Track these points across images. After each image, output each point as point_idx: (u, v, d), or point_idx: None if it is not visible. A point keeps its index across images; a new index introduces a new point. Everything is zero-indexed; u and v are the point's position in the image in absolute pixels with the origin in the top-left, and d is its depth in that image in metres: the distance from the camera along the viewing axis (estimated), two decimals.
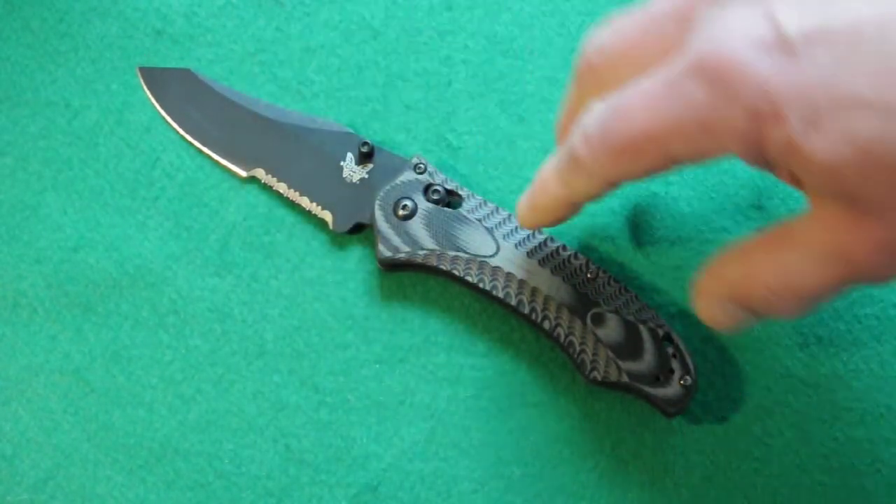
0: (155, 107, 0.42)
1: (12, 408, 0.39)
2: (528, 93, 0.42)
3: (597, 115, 0.29)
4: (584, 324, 0.37)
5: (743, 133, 0.27)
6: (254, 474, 0.38)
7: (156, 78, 0.43)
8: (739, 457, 0.37)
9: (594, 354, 0.36)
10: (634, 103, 0.28)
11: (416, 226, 0.38)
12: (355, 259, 0.40)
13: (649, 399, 0.36)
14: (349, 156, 0.40)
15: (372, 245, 0.40)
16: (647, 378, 0.36)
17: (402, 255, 0.38)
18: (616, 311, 0.37)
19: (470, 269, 0.38)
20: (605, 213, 0.40)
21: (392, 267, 0.39)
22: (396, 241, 0.38)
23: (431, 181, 0.39)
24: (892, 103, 0.25)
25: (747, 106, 0.26)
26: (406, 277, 0.40)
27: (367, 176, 0.40)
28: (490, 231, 0.38)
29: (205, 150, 0.42)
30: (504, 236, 0.38)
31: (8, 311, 0.40)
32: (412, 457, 0.38)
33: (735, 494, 0.37)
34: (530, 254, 0.38)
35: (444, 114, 0.42)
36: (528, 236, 0.38)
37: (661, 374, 0.36)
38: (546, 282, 0.37)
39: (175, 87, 0.42)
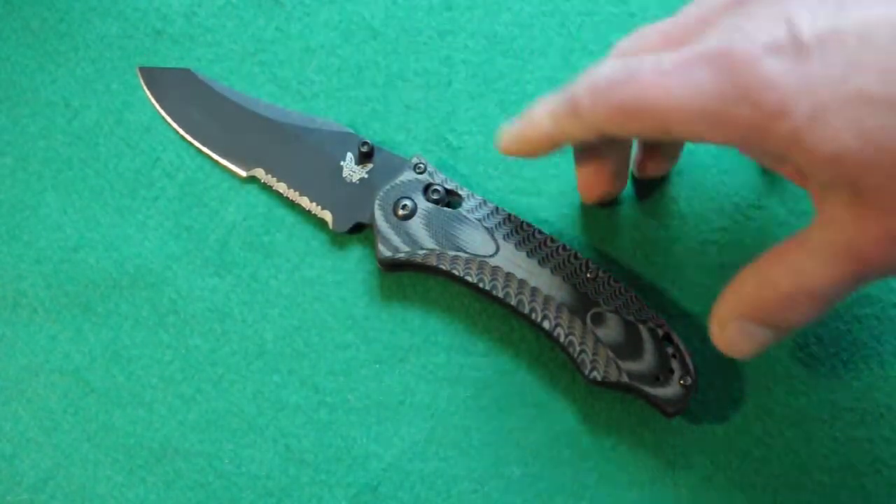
0: (155, 107, 0.42)
1: (12, 408, 0.39)
2: (528, 93, 0.42)
3: (609, 70, 0.31)
4: (584, 324, 0.37)
5: (746, 126, 0.28)
6: (254, 474, 0.38)
7: (156, 78, 0.43)
8: (739, 457, 0.37)
9: (594, 354, 0.36)
10: (647, 72, 0.30)
11: (416, 226, 0.38)
12: (355, 259, 0.40)
13: (649, 399, 0.36)
14: (349, 156, 0.40)
15: (372, 245, 0.40)
16: (646, 378, 0.36)
17: (402, 255, 0.38)
18: (616, 311, 0.37)
19: (470, 268, 0.38)
20: (606, 213, 0.40)
21: (392, 267, 0.39)
22: (396, 240, 0.38)
23: (431, 181, 0.39)
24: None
25: (755, 101, 0.27)
26: (406, 277, 0.40)
27: (366, 176, 0.40)
28: (490, 231, 0.38)
29: (205, 150, 0.42)
30: (504, 236, 0.38)
31: (8, 311, 0.40)
32: (412, 457, 0.38)
33: (735, 494, 0.37)
34: (530, 254, 0.38)
35: (444, 114, 0.42)
36: (528, 236, 0.38)
37: (661, 374, 0.36)
38: (546, 282, 0.37)
39: (175, 87, 0.42)
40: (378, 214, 0.39)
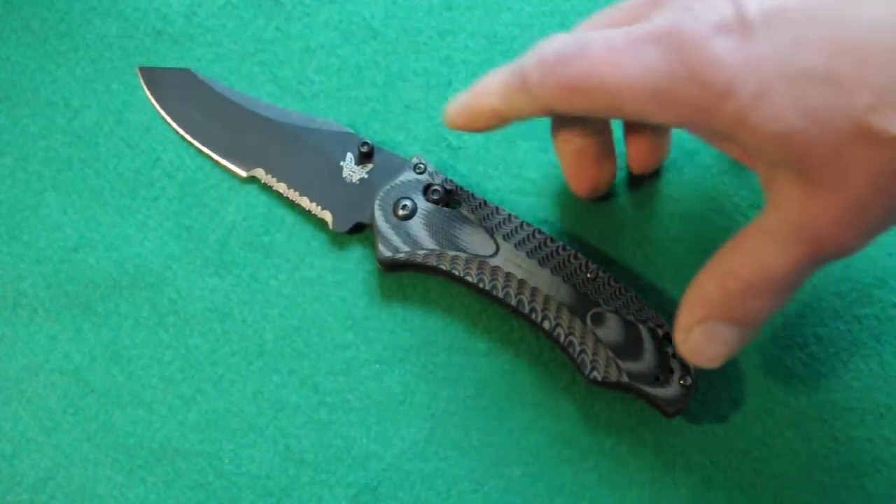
0: (155, 107, 0.42)
1: (12, 408, 0.39)
2: None
3: (559, 45, 0.31)
4: (584, 324, 0.37)
5: (694, 105, 0.28)
6: (254, 474, 0.38)
7: (156, 78, 0.43)
8: (739, 457, 0.37)
9: (594, 354, 0.36)
10: (597, 48, 0.30)
11: (416, 226, 0.38)
12: (355, 259, 0.40)
13: (649, 399, 0.36)
14: (349, 156, 0.40)
15: (372, 245, 0.40)
16: (646, 378, 0.36)
17: (402, 255, 0.38)
18: (616, 311, 0.37)
19: (470, 268, 0.38)
20: (606, 213, 0.40)
21: (392, 267, 0.39)
22: (396, 240, 0.38)
23: (431, 181, 0.39)
24: (839, 75, 0.26)
25: (702, 81, 0.28)
26: (406, 277, 0.40)
27: (366, 176, 0.40)
28: (490, 231, 0.38)
29: (205, 150, 0.42)
30: (504, 236, 0.38)
31: (8, 311, 0.40)
32: (412, 457, 0.38)
33: (735, 494, 0.37)
34: (530, 254, 0.38)
35: None
36: (528, 236, 0.38)
37: (660, 374, 0.36)
38: (546, 282, 0.37)
39: (175, 87, 0.42)
40: (378, 214, 0.39)
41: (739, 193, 0.40)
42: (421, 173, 0.39)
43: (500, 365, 0.39)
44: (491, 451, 0.38)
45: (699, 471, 0.37)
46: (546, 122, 0.42)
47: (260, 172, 0.41)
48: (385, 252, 0.38)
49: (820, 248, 0.29)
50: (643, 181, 0.41)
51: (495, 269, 0.37)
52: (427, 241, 0.38)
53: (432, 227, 0.38)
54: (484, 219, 0.38)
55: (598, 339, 0.36)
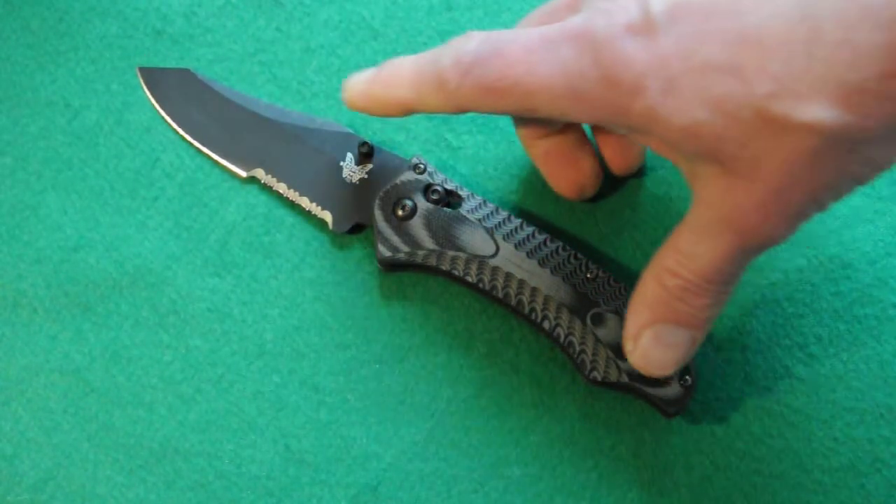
0: (155, 107, 0.42)
1: (12, 408, 0.39)
2: None
3: (475, 44, 0.31)
4: (584, 324, 0.37)
5: (606, 103, 0.29)
6: (254, 474, 0.38)
7: (156, 78, 0.43)
8: (739, 457, 0.37)
9: (594, 354, 0.36)
10: (514, 49, 0.30)
11: (416, 226, 0.38)
12: (355, 259, 0.40)
13: (649, 399, 0.36)
14: (349, 156, 0.40)
15: (372, 245, 0.40)
16: (646, 378, 0.36)
17: (402, 255, 0.38)
18: (616, 311, 0.37)
19: (470, 269, 0.38)
20: (606, 213, 0.40)
21: (392, 267, 0.39)
22: (396, 241, 0.38)
23: (431, 181, 0.39)
24: (739, 65, 0.27)
25: (613, 79, 0.29)
26: (406, 277, 0.40)
27: (366, 176, 0.40)
28: (490, 231, 0.38)
29: (205, 150, 0.42)
30: (504, 236, 0.38)
31: (8, 311, 0.40)
32: (412, 457, 0.38)
33: (735, 494, 0.37)
34: (530, 254, 0.38)
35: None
36: (528, 236, 0.38)
37: None
38: (546, 282, 0.37)
39: (175, 87, 0.42)
40: (378, 215, 0.39)
41: None
42: (421, 173, 0.39)
43: (500, 365, 0.39)
44: (491, 451, 0.38)
45: (699, 471, 0.37)
46: None
47: (260, 172, 0.41)
48: (385, 252, 0.38)
49: (746, 238, 0.30)
50: (643, 182, 0.41)
51: (495, 269, 0.37)
52: (427, 242, 0.38)
53: (432, 227, 0.38)
54: (484, 219, 0.38)
55: (598, 339, 0.36)
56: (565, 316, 0.37)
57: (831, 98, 0.26)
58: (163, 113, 0.42)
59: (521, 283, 0.37)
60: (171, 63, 0.43)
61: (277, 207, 0.41)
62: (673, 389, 0.36)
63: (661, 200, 0.41)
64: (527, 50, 0.30)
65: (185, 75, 0.43)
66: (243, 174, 0.41)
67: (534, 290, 0.37)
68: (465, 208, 0.39)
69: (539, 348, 0.39)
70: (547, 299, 0.37)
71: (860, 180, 0.29)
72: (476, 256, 0.38)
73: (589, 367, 0.36)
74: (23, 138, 0.42)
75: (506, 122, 0.42)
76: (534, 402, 0.38)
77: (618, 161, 0.39)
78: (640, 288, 0.33)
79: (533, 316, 0.37)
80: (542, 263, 0.37)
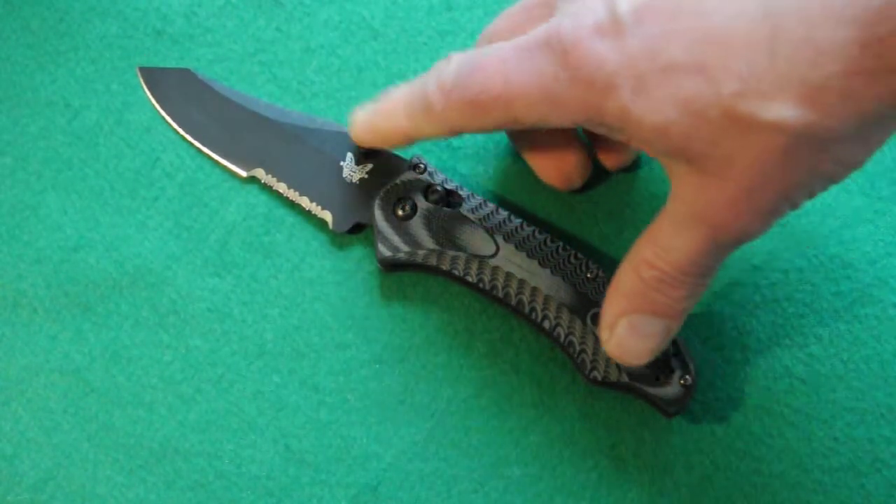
0: (155, 107, 0.42)
1: (12, 408, 0.39)
2: None
3: (454, 66, 0.32)
4: (584, 324, 0.37)
5: (581, 105, 0.30)
6: (254, 474, 0.38)
7: (156, 78, 0.43)
8: (739, 457, 0.37)
9: (594, 354, 0.36)
10: (489, 63, 0.31)
11: (416, 226, 0.38)
12: (355, 259, 0.40)
13: (649, 399, 0.36)
14: (349, 156, 0.40)
15: (372, 245, 0.40)
16: (646, 378, 0.36)
17: (402, 255, 0.38)
18: None
19: (470, 269, 0.38)
20: (606, 213, 0.40)
21: (392, 267, 0.39)
22: (396, 240, 0.38)
23: (431, 181, 0.39)
24: (705, 64, 0.27)
25: (585, 80, 0.29)
26: (406, 277, 0.40)
27: (366, 176, 0.40)
28: (490, 231, 0.38)
29: (205, 150, 0.42)
30: (504, 236, 0.38)
31: (8, 311, 0.40)
32: (412, 457, 0.38)
33: (735, 494, 0.37)
34: (530, 254, 0.38)
35: None
36: (528, 236, 0.38)
37: (660, 374, 0.36)
38: (546, 282, 0.37)
39: (175, 87, 0.42)
40: (378, 214, 0.39)
41: None
42: (421, 173, 0.39)
43: (500, 365, 0.39)
44: (491, 451, 0.38)
45: (699, 471, 0.37)
46: None
47: (260, 172, 0.41)
48: (385, 252, 0.38)
49: (720, 233, 0.30)
50: (643, 182, 0.41)
51: (495, 269, 0.37)
52: (427, 241, 0.38)
53: (432, 227, 0.38)
54: (484, 219, 0.38)
55: (598, 339, 0.36)
56: (565, 316, 0.37)
57: (795, 97, 0.26)
58: (163, 113, 0.42)
59: (522, 282, 0.37)
60: (171, 63, 0.43)
61: (277, 207, 0.41)
62: (673, 389, 0.36)
63: (662, 200, 0.40)
64: (502, 61, 0.31)
65: (185, 75, 0.43)
66: (243, 174, 0.41)
67: (534, 289, 0.37)
68: (465, 208, 0.39)
69: (539, 348, 0.39)
70: (547, 299, 0.37)
71: (833, 179, 0.29)
72: (476, 256, 0.38)
73: (589, 366, 0.36)
74: (23, 138, 0.42)
75: None
76: (534, 402, 0.38)
77: (610, 157, 0.39)
78: (617, 277, 0.33)
79: (533, 316, 0.37)
80: (542, 263, 0.37)
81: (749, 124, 0.27)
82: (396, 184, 0.39)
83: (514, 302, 0.37)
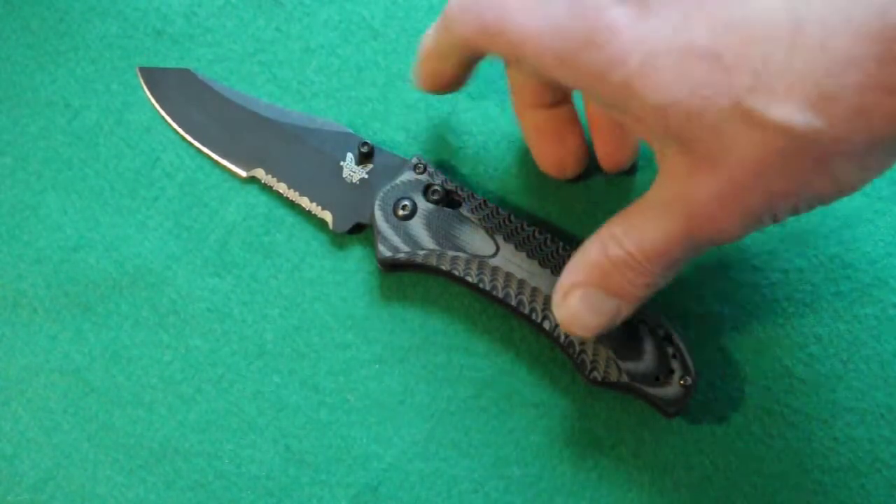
0: (155, 107, 0.42)
1: (12, 408, 0.39)
2: None
3: None
4: None
5: (588, 68, 0.29)
6: (254, 474, 0.38)
7: (156, 78, 0.43)
8: (739, 457, 0.37)
9: (594, 355, 0.36)
10: (515, 7, 0.31)
11: (416, 226, 0.38)
12: (355, 259, 0.40)
13: (649, 399, 0.36)
14: (349, 156, 0.40)
15: (372, 245, 0.40)
16: (646, 378, 0.36)
17: (402, 256, 0.38)
18: None
19: (470, 269, 0.38)
20: (606, 214, 0.40)
21: (392, 267, 0.39)
22: (396, 241, 0.38)
23: (431, 181, 0.39)
24: (722, 53, 0.27)
25: (596, 45, 0.29)
26: (406, 277, 0.40)
27: (366, 176, 0.40)
28: (490, 231, 0.38)
29: (205, 150, 0.42)
30: (504, 237, 0.38)
31: (8, 311, 0.40)
32: (412, 457, 0.38)
33: (735, 494, 0.37)
34: (530, 254, 0.38)
35: (444, 114, 0.42)
36: (529, 236, 0.38)
37: (660, 375, 0.36)
38: (546, 282, 0.37)
39: (175, 87, 0.42)
40: (378, 215, 0.39)
41: None
42: (421, 173, 0.39)
43: (500, 365, 0.39)
44: (491, 451, 0.38)
45: (699, 471, 0.37)
46: None
47: (260, 172, 0.41)
48: (385, 252, 0.38)
49: (696, 225, 0.30)
50: (643, 182, 0.41)
51: (495, 269, 0.37)
52: (427, 242, 0.38)
53: (432, 227, 0.38)
54: (484, 219, 0.38)
55: (597, 340, 0.36)
56: None
57: (804, 101, 0.26)
58: (163, 113, 0.42)
59: (522, 283, 0.37)
60: (171, 63, 0.43)
61: (277, 207, 0.41)
62: (673, 390, 0.36)
63: None
64: (526, 1, 0.31)
65: (185, 75, 0.43)
66: (243, 174, 0.41)
67: (534, 290, 0.37)
68: (465, 208, 0.39)
69: (539, 348, 0.39)
70: (547, 299, 0.37)
71: (822, 198, 0.29)
72: (476, 256, 0.38)
73: (589, 367, 0.36)
74: (23, 138, 0.42)
75: (506, 123, 0.42)
76: (534, 402, 0.38)
77: (608, 158, 0.39)
78: (584, 246, 0.33)
79: (533, 316, 0.37)
80: (542, 263, 0.37)
81: (754, 120, 0.27)
82: (396, 184, 0.39)
83: (514, 302, 0.37)
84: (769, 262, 0.40)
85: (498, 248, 0.38)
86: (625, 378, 0.36)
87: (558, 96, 0.38)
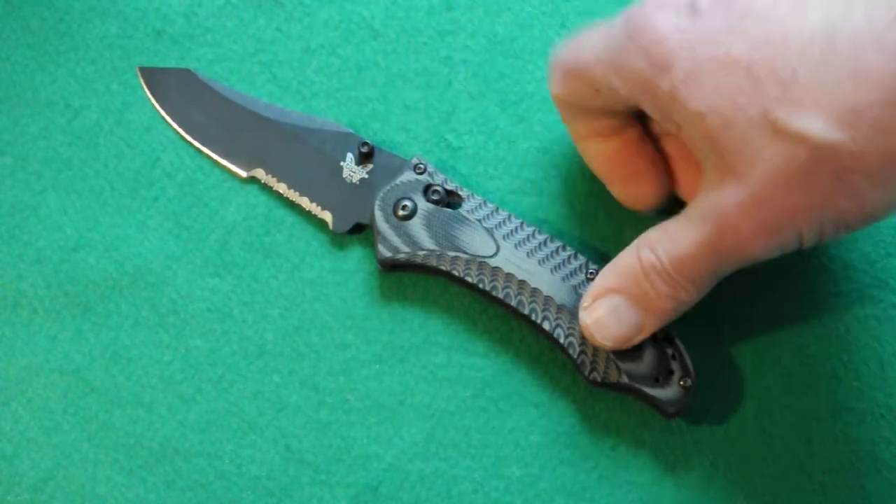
0: (155, 107, 0.42)
1: (12, 408, 0.39)
2: (528, 93, 0.42)
3: (563, 44, 0.35)
4: None
5: (639, 77, 0.31)
6: (254, 474, 0.38)
7: (156, 78, 0.43)
8: (739, 457, 0.37)
9: (594, 355, 0.36)
10: (583, 34, 0.34)
11: (416, 226, 0.38)
12: (355, 259, 0.40)
13: (649, 400, 0.36)
14: (349, 156, 0.40)
15: (372, 245, 0.40)
16: (646, 379, 0.36)
17: (402, 256, 0.38)
18: None
19: (470, 269, 0.38)
20: (606, 213, 0.40)
21: (392, 267, 0.39)
22: (396, 241, 0.38)
23: (431, 181, 0.39)
24: (756, 64, 0.28)
25: (646, 53, 0.31)
26: (406, 277, 0.40)
27: (366, 176, 0.40)
28: (490, 231, 0.38)
29: (205, 150, 0.42)
30: (504, 237, 0.38)
31: (8, 311, 0.40)
32: (412, 457, 0.38)
33: (735, 494, 0.37)
34: (530, 254, 0.38)
35: (444, 114, 0.42)
36: (529, 236, 0.38)
37: (660, 375, 0.36)
38: (546, 282, 0.37)
39: (175, 87, 0.42)
40: (378, 215, 0.39)
41: None
42: (421, 173, 0.39)
43: (500, 365, 0.39)
44: (491, 451, 0.38)
45: (699, 471, 0.37)
46: (545, 122, 0.42)
47: (260, 173, 0.41)
48: (385, 252, 0.38)
49: (722, 235, 0.31)
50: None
51: (495, 269, 0.37)
52: (427, 242, 0.38)
53: (432, 227, 0.38)
54: (484, 219, 0.38)
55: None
56: (565, 316, 0.37)
57: (828, 113, 0.27)
58: (163, 113, 0.42)
59: (522, 283, 0.37)
60: (171, 63, 0.43)
61: (277, 207, 0.41)
62: (673, 391, 0.36)
63: None
64: (592, 37, 0.33)
65: (186, 75, 0.43)
66: (243, 174, 0.41)
67: (534, 290, 0.37)
68: (465, 208, 0.39)
69: (539, 348, 0.39)
70: (547, 300, 0.37)
71: (847, 220, 0.29)
72: (476, 257, 0.38)
73: (589, 367, 0.36)
74: (23, 138, 0.42)
75: (506, 122, 0.42)
76: (534, 402, 0.38)
77: (632, 193, 0.38)
78: (621, 253, 0.34)
79: (533, 316, 0.37)
80: (542, 263, 0.37)
81: (778, 130, 0.28)
82: (396, 184, 0.39)
83: (514, 302, 0.37)
84: (769, 261, 0.39)
85: (498, 249, 0.38)
86: (625, 379, 0.36)
87: (616, 121, 0.36)
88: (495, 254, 0.38)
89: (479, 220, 0.38)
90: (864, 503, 0.37)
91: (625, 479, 0.37)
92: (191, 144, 0.42)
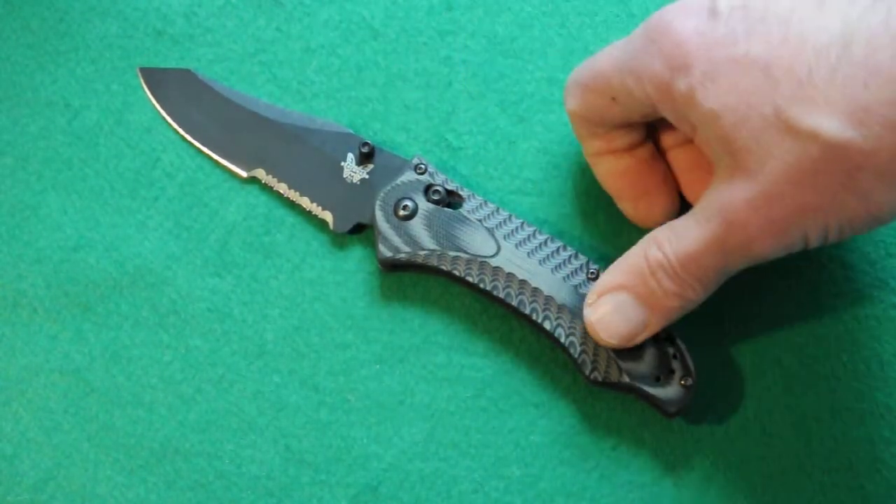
0: (155, 107, 0.42)
1: (12, 408, 0.39)
2: (528, 93, 0.42)
3: (579, 65, 0.36)
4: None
5: (656, 78, 0.31)
6: (254, 474, 0.38)
7: (156, 78, 0.43)
8: (739, 457, 0.37)
9: (594, 355, 0.36)
10: (600, 54, 0.35)
11: (417, 226, 0.38)
12: (355, 259, 0.40)
13: (649, 399, 0.36)
14: (349, 156, 0.40)
15: (372, 245, 0.40)
16: (647, 378, 0.36)
17: (403, 256, 0.38)
18: None
19: (470, 269, 0.38)
20: (606, 213, 0.40)
21: (392, 267, 0.39)
22: (397, 241, 0.38)
23: (432, 181, 0.39)
24: (772, 64, 0.29)
25: (664, 53, 0.31)
26: (406, 277, 0.40)
27: (367, 176, 0.40)
28: (490, 231, 0.38)
29: (205, 150, 0.42)
30: (504, 237, 0.38)
31: (8, 311, 0.40)
32: (412, 457, 0.38)
33: (735, 494, 0.37)
34: (530, 254, 0.38)
35: (444, 114, 0.42)
36: (529, 236, 0.38)
37: (661, 375, 0.36)
38: (546, 282, 0.37)
39: (175, 87, 0.42)
40: (379, 215, 0.39)
41: None
42: (421, 174, 0.39)
43: (500, 365, 0.39)
44: (491, 451, 0.38)
45: (699, 471, 0.37)
46: (545, 122, 0.42)
47: (260, 173, 0.41)
48: (385, 252, 0.38)
49: (729, 231, 0.31)
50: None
51: (496, 269, 0.37)
52: (428, 242, 0.38)
53: (433, 227, 0.38)
54: (484, 219, 0.38)
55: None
56: (566, 316, 0.37)
57: (839, 111, 0.27)
58: (163, 113, 0.42)
59: (523, 283, 0.37)
60: (171, 63, 0.43)
61: (278, 207, 0.41)
62: (673, 390, 0.36)
63: None
64: (612, 47, 0.34)
65: (186, 75, 0.43)
66: (244, 174, 0.41)
67: (535, 290, 0.37)
68: (465, 208, 0.39)
69: (539, 348, 0.39)
70: (548, 300, 0.37)
71: (853, 222, 0.30)
72: (477, 257, 0.38)
73: (589, 367, 0.36)
74: (23, 138, 0.42)
75: (506, 122, 0.42)
76: (534, 402, 0.38)
77: (642, 208, 0.38)
78: (628, 251, 0.34)
79: (534, 316, 0.37)
80: (542, 263, 0.37)
81: (790, 128, 0.28)
82: (397, 184, 0.39)
83: (514, 302, 0.37)
84: (770, 262, 0.39)
85: (499, 249, 0.38)
86: (625, 378, 0.36)
87: (629, 139, 0.37)
88: (496, 254, 0.38)
89: (480, 220, 0.38)
90: (863, 503, 0.37)
91: (625, 478, 0.37)
92: (191, 144, 0.42)
